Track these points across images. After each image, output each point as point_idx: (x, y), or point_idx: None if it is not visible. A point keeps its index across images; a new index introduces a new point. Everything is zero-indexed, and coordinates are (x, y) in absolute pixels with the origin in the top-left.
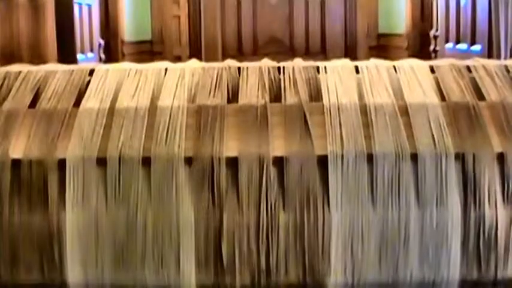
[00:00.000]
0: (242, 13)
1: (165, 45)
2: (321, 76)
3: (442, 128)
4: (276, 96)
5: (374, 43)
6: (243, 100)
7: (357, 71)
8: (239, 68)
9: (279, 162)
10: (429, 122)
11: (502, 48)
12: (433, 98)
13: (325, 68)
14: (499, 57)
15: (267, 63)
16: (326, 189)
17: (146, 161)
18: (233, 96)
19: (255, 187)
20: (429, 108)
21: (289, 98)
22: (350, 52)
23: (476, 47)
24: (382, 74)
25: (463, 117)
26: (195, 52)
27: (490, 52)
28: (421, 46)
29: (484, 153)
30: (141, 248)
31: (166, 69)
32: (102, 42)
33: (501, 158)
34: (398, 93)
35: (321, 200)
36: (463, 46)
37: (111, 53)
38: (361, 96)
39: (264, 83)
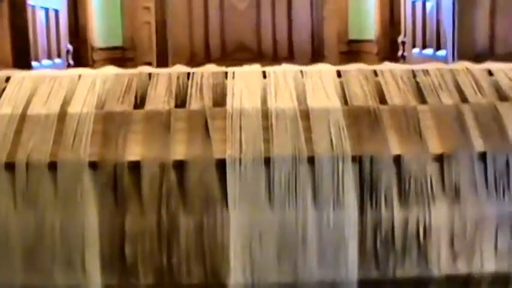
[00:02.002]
0: (210, 20)
1: (136, 52)
2: (228, 82)
3: (341, 131)
4: (182, 101)
5: (345, 49)
6: (149, 106)
7: (265, 76)
8: (150, 75)
9: (180, 166)
10: (329, 126)
11: (449, 53)
12: (336, 103)
13: (233, 73)
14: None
15: (177, 69)
16: (225, 192)
17: (53, 166)
18: (141, 102)
19: (156, 190)
20: (330, 112)
21: (194, 104)
22: (318, 57)
23: (442, 52)
24: (288, 79)
25: (363, 121)
26: (163, 59)
27: (455, 57)
28: (391, 51)
29: (381, 156)
30: (49, 251)
31: (80, 76)
32: (71, 48)
33: (398, 160)
34: (301, 97)
35: (219, 203)
36: (429, 51)
37: (80, 59)
38: (264, 101)
39: (171, 89)
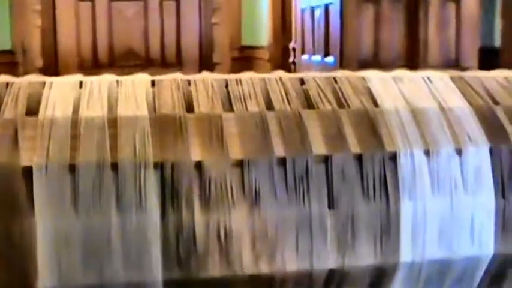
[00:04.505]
0: (97, 25)
1: (25, 56)
2: (45, 91)
3: (146, 138)
4: None
5: (237, 55)
6: None
7: (81, 86)
8: None
9: None
10: (134, 134)
11: (336, 60)
12: (144, 111)
13: (50, 83)
14: (349, 68)
15: None
16: (32, 199)
17: None
18: None
19: None
20: (138, 120)
21: (7, 113)
22: (207, 64)
23: (330, 59)
24: (102, 89)
25: (168, 128)
26: (51, 64)
27: (342, 63)
28: (283, 58)
29: (183, 162)
30: None
31: None
32: None
33: (200, 166)
34: (112, 106)
35: (26, 209)
36: (317, 58)
37: None
38: (76, 110)
39: None
